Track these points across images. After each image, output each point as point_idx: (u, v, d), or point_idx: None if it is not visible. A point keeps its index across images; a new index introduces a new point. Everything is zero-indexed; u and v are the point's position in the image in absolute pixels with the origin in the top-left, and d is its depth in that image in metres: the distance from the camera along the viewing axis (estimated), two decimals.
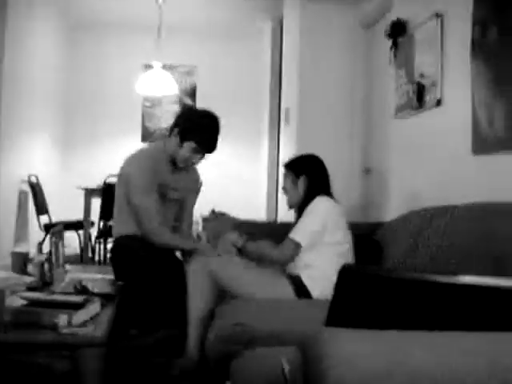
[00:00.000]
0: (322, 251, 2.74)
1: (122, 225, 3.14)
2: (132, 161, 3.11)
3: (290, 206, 3.03)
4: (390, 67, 4.06)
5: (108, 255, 5.82)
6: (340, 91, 5.16)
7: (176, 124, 3.15)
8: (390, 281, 0.94)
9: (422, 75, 3.45)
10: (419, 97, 3.45)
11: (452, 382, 0.74)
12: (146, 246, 3.02)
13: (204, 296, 2.64)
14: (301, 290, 2.66)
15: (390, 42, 3.98)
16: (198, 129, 3.07)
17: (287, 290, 2.65)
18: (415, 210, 2.93)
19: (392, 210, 3.86)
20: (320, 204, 2.81)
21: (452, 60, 3.14)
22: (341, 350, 0.74)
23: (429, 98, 3.36)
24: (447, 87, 3.18)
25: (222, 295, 2.67)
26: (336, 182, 3.17)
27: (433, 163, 3.37)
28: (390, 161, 4.13)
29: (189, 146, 3.07)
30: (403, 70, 3.77)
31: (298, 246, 2.74)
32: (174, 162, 3.17)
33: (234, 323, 1.94)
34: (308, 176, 2.94)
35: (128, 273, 2.95)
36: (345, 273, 0.95)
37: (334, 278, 2.47)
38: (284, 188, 3.04)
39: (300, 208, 2.92)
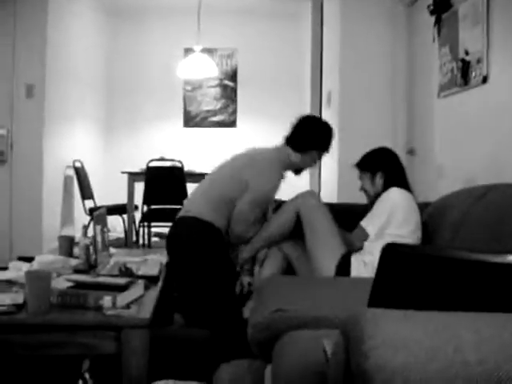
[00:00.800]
0: (380, 242, 2.67)
1: (212, 210, 3.04)
2: (268, 174, 3.10)
3: (371, 203, 2.95)
4: (433, 45, 3.96)
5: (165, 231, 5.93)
6: (382, 71, 5.07)
7: (302, 135, 3.21)
8: (433, 259, 0.91)
9: (466, 52, 3.36)
10: (464, 74, 3.37)
11: (499, 364, 0.71)
12: (215, 244, 3.03)
13: (283, 226, 2.94)
14: (343, 267, 2.67)
15: (433, 19, 3.88)
16: (327, 140, 3.22)
17: (332, 262, 2.73)
18: (462, 189, 2.87)
19: (438, 190, 3.79)
20: (392, 194, 2.79)
21: (498, 35, 3.05)
22: (383, 331, 0.72)
23: (474, 74, 3.27)
24: (493, 64, 3.09)
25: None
26: None
27: (479, 142, 3.29)
28: (435, 141, 4.05)
29: (314, 154, 3.22)
30: (447, 48, 3.68)
31: (366, 235, 2.76)
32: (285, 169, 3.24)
33: (273, 310, 1.93)
34: (384, 171, 2.92)
35: (183, 260, 3.01)
36: (388, 252, 0.92)
37: None
38: (363, 189, 3.01)
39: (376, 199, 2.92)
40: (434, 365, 0.69)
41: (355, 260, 2.72)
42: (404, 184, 2.91)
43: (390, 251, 0.93)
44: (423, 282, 0.92)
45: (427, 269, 0.92)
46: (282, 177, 3.16)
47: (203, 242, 2.99)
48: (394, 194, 2.79)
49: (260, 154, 3.21)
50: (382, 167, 2.93)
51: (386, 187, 2.88)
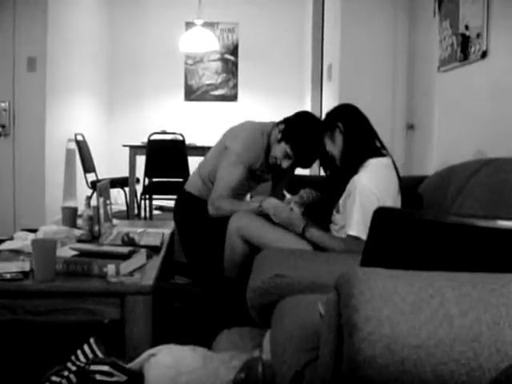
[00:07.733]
0: None
1: (202, 185, 3.20)
2: (240, 136, 3.06)
3: (341, 166, 2.63)
4: (434, 19, 3.97)
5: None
6: (383, 44, 5.08)
7: (286, 121, 2.97)
8: (422, 223, 0.96)
9: (466, 26, 3.37)
10: (464, 49, 3.39)
11: (479, 316, 0.76)
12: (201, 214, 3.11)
13: (235, 251, 2.71)
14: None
15: None
16: (300, 137, 2.83)
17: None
18: (458, 164, 2.91)
19: (435, 166, 3.83)
20: (361, 188, 2.41)
21: (498, 10, 3.06)
22: (372, 287, 0.78)
23: (474, 49, 3.29)
24: (493, 39, 3.11)
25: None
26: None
27: (478, 117, 3.32)
28: (434, 115, 4.08)
29: (283, 148, 2.88)
30: (447, 22, 3.69)
31: (359, 240, 2.33)
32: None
33: (274, 274, 1.98)
34: (343, 124, 2.58)
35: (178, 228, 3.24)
36: (379, 215, 0.97)
37: None
38: (328, 152, 2.66)
39: (345, 163, 2.58)
40: (420, 317, 0.74)
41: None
42: (366, 137, 2.61)
43: (381, 214, 0.98)
44: (412, 244, 0.98)
45: (416, 231, 0.97)
46: (260, 144, 3.00)
47: (189, 213, 3.23)
48: (363, 186, 2.42)
49: (244, 123, 3.23)
50: (340, 119, 2.59)
51: (348, 141, 2.57)
